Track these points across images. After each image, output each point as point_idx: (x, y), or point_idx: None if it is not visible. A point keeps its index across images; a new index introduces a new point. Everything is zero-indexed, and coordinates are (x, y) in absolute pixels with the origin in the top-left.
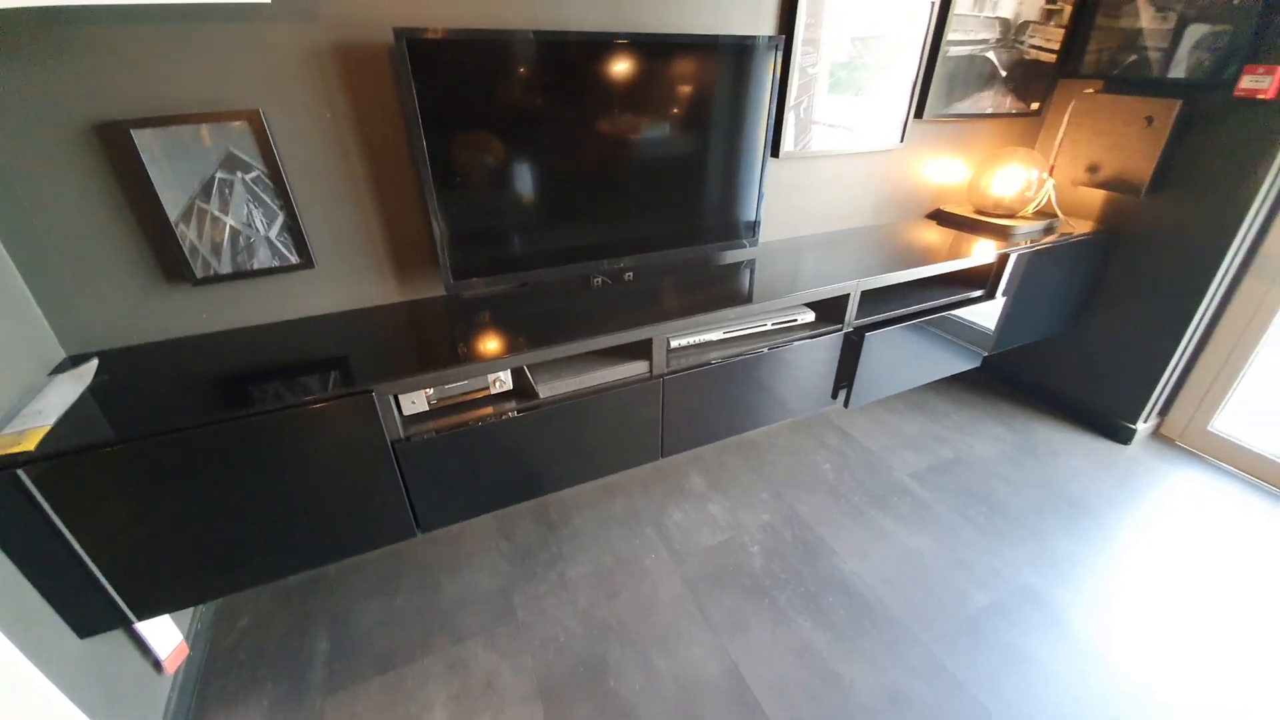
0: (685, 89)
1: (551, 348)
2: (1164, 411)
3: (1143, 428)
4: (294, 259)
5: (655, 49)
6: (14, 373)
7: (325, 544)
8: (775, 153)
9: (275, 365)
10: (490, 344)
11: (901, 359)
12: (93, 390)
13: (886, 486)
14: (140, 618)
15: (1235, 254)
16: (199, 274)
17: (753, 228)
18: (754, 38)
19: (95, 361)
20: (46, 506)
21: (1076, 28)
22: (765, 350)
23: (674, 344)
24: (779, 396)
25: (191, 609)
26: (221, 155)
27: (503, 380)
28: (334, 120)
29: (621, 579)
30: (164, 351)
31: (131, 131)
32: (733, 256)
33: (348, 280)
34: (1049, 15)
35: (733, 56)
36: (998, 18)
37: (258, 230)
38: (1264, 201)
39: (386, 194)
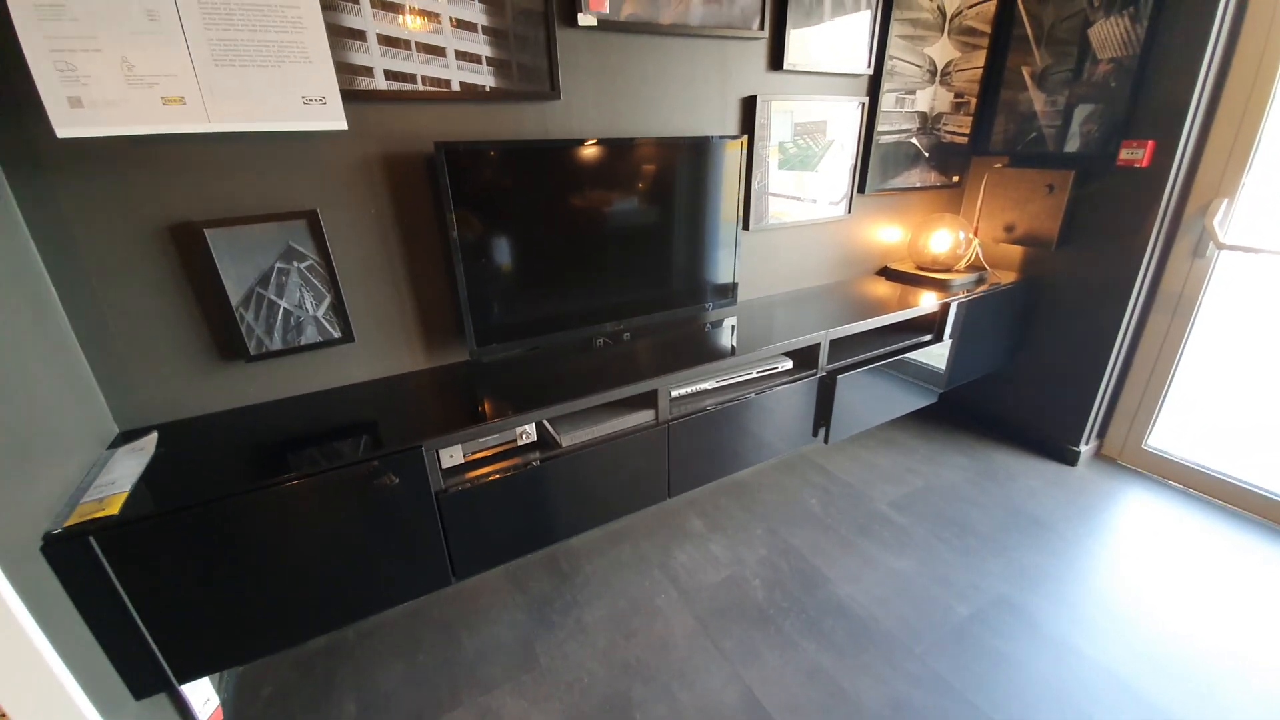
0: (671, 179)
1: (574, 401)
2: (1102, 434)
3: (1085, 449)
4: (337, 334)
5: (647, 148)
6: (80, 449)
7: (366, 596)
8: (746, 226)
9: (324, 429)
10: (515, 401)
11: (870, 398)
12: (156, 461)
13: (869, 516)
14: (182, 680)
15: (1138, 292)
16: (253, 351)
17: (732, 289)
18: (723, 137)
19: (154, 434)
20: (110, 571)
21: (981, 115)
22: (752, 395)
23: (674, 394)
24: (767, 436)
25: (217, 677)
26: (282, 249)
27: (528, 433)
28: (377, 215)
29: (636, 620)
30: (218, 423)
31: (205, 231)
32: (716, 315)
33: (382, 351)
34: (957, 107)
35: (709, 152)
36: (916, 111)
37: (307, 310)
38: (1153, 249)
39: (418, 275)
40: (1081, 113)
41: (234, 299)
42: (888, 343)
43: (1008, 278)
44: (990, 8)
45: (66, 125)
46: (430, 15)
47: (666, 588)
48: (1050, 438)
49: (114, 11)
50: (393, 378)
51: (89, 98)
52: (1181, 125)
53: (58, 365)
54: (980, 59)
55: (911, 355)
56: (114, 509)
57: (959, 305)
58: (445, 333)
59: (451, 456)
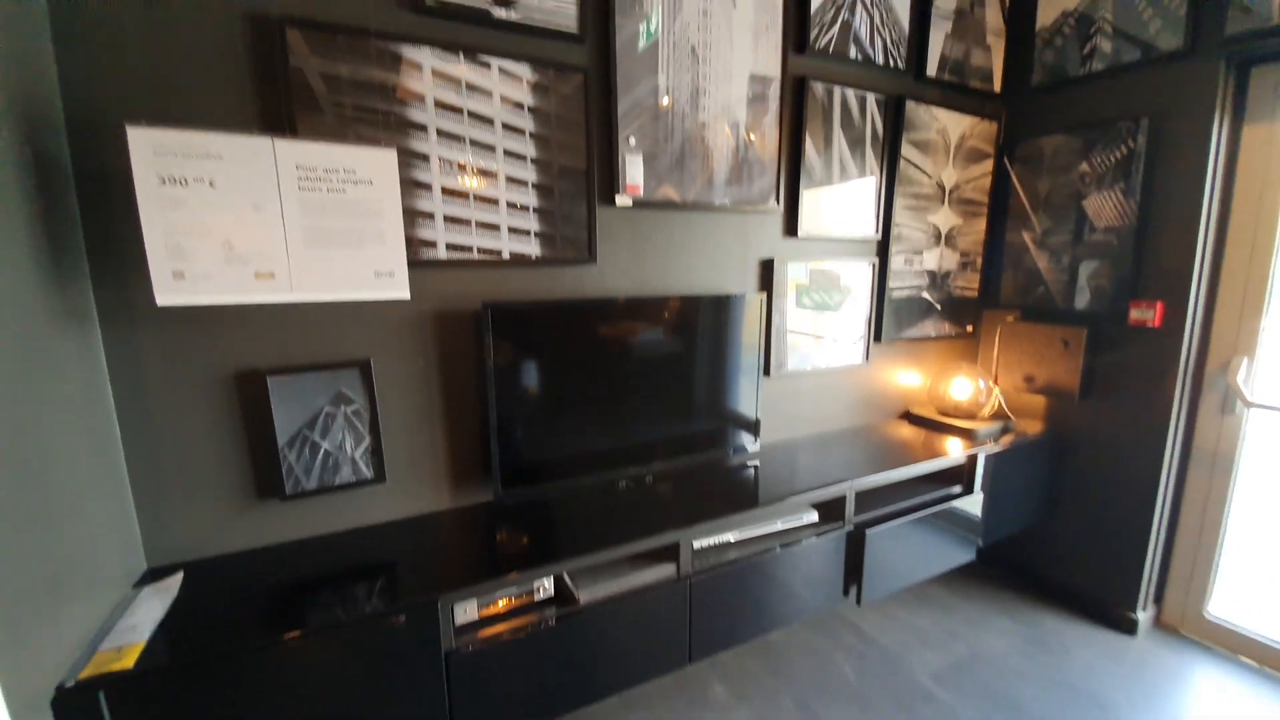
0: (696, 331)
1: (594, 554)
2: (1159, 599)
3: (1143, 616)
4: (370, 475)
5: (673, 305)
6: (110, 587)
7: None
8: (767, 372)
9: (345, 573)
10: (536, 551)
11: (903, 553)
12: (178, 604)
13: (909, 690)
14: None
15: (1172, 448)
16: (289, 491)
17: (754, 434)
18: (744, 295)
19: (180, 575)
20: None
21: (988, 273)
22: (778, 549)
23: (696, 545)
24: (795, 594)
25: None
26: (333, 393)
27: (545, 587)
28: (424, 365)
29: None
30: (242, 563)
31: (268, 378)
32: (739, 460)
33: (411, 491)
34: (964, 266)
35: (731, 308)
36: (925, 270)
37: (345, 451)
38: (1180, 405)
39: (453, 421)
40: (1087, 268)
41: (281, 440)
42: (916, 493)
43: (1034, 427)
44: (986, 182)
45: (167, 294)
46: (489, 200)
47: None
48: (1102, 601)
49: (227, 203)
50: (418, 518)
51: (190, 272)
52: (1188, 288)
53: (107, 498)
54: (981, 225)
55: (945, 508)
56: (129, 661)
57: (988, 456)
58: (473, 474)
59: (466, 611)
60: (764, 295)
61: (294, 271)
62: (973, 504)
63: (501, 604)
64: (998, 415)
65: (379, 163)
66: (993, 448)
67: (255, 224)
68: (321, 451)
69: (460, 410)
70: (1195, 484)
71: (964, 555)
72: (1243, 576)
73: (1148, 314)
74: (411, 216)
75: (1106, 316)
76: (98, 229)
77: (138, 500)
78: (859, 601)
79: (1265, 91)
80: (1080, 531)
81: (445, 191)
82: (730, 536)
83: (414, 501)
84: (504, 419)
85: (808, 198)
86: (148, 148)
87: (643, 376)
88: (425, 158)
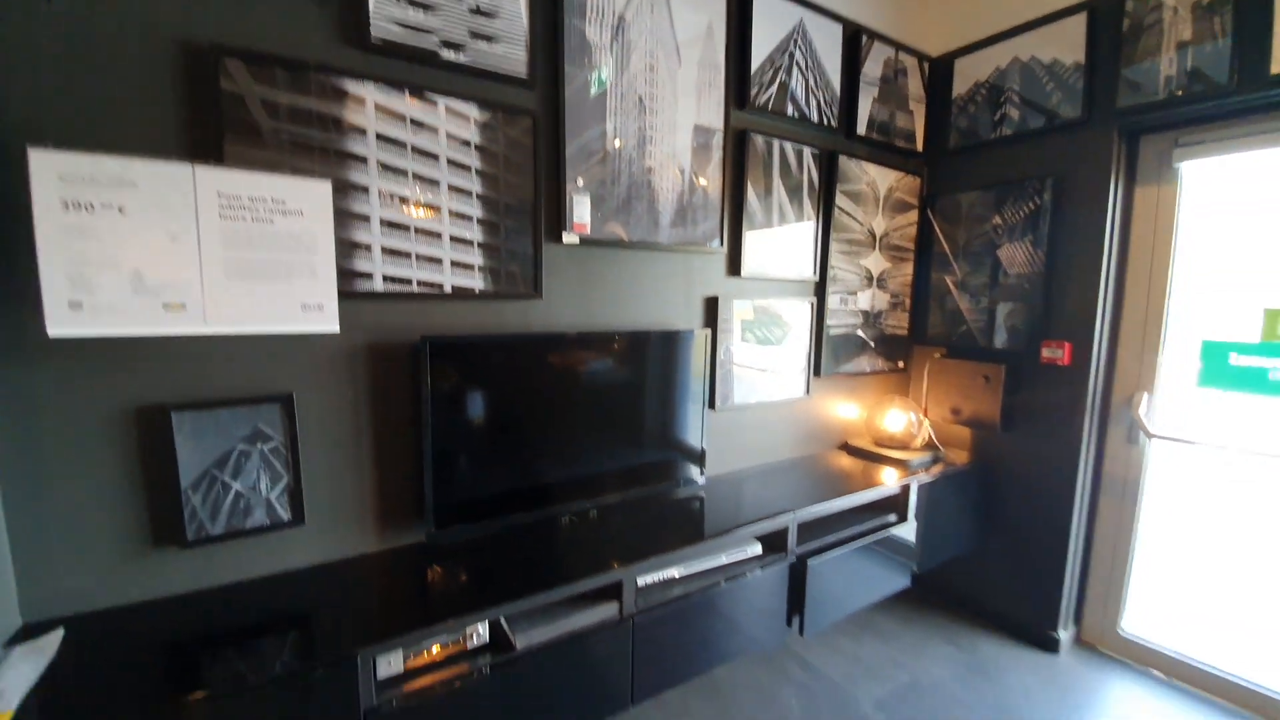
0: (642, 367)
1: (531, 598)
2: (1078, 618)
3: (1064, 635)
4: (286, 517)
5: (619, 340)
6: None
7: None
8: (712, 406)
9: (254, 626)
10: (469, 595)
11: (843, 582)
12: (56, 666)
13: None
14: None
15: (1084, 477)
16: (191, 537)
17: (699, 467)
18: (689, 330)
19: (60, 632)
20: None
21: (916, 313)
22: (722, 583)
23: (640, 582)
24: (739, 628)
25: None
26: (248, 430)
27: (479, 633)
28: (354, 400)
29: None
30: (132, 618)
31: (171, 413)
32: (684, 493)
33: (333, 533)
34: (894, 306)
35: (677, 343)
36: (859, 309)
37: (260, 493)
38: (1090, 438)
39: (384, 458)
40: (1004, 310)
41: (185, 481)
42: (855, 522)
43: (961, 457)
44: (912, 230)
45: (60, 325)
46: (432, 234)
47: None
48: (1029, 622)
49: (139, 231)
50: (341, 562)
51: (90, 303)
52: (1092, 330)
53: None
54: (909, 268)
55: (881, 536)
56: None
57: (920, 485)
58: (403, 514)
59: (390, 664)
60: (709, 331)
61: (209, 304)
62: (908, 531)
63: (431, 653)
64: (928, 446)
65: (311, 194)
66: (925, 477)
67: (170, 254)
68: (232, 493)
69: (391, 447)
70: (1106, 509)
71: (901, 582)
72: (1150, 595)
73: (1057, 353)
74: (348, 248)
75: (1022, 354)
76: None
77: (13, 546)
78: (802, 632)
79: (1151, 158)
80: (1006, 556)
81: (385, 224)
82: (675, 572)
83: (337, 544)
84: (439, 454)
85: (750, 239)
86: (51, 172)
87: (587, 411)
88: (365, 189)
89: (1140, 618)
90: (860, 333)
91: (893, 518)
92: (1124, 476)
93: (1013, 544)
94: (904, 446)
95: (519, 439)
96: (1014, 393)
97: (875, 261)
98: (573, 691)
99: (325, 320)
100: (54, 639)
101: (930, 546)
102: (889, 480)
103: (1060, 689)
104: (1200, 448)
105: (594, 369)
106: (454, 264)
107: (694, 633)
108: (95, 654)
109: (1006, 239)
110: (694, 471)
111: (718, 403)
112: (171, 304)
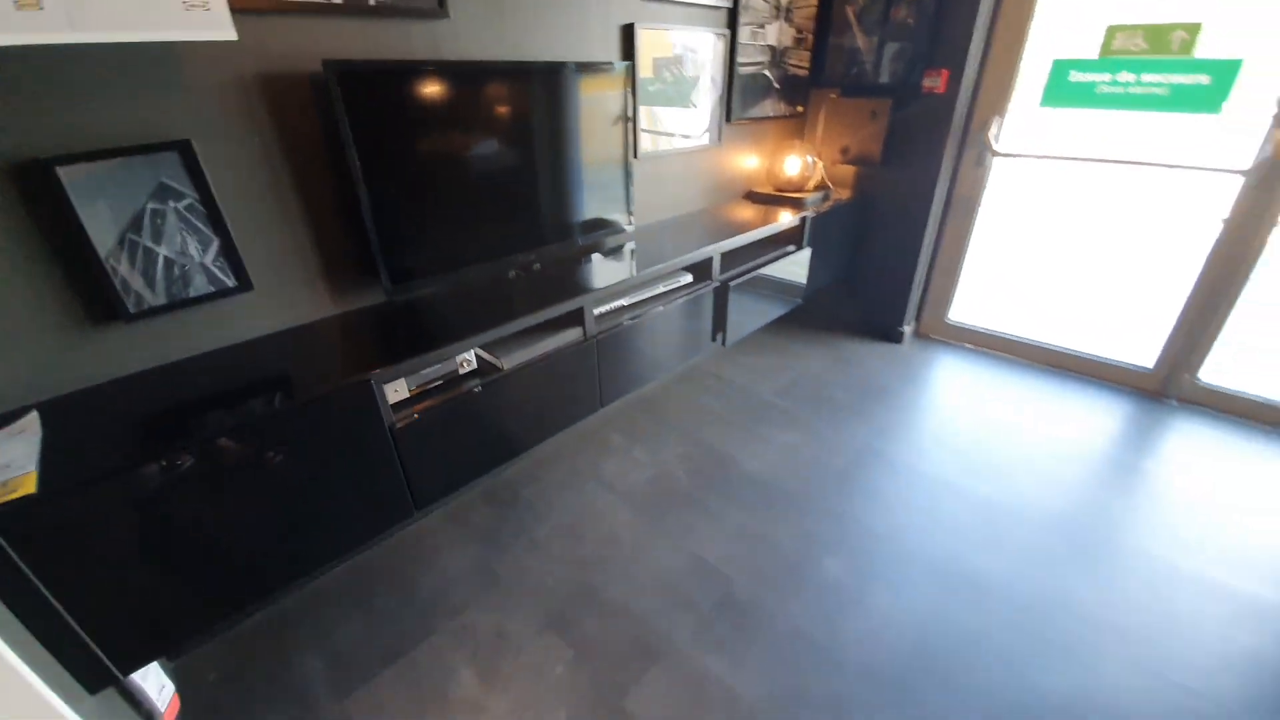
0: (567, 103)
1: (508, 325)
2: (919, 317)
3: (908, 330)
4: (231, 283)
5: (543, 73)
6: None
7: (325, 543)
8: (635, 154)
9: (244, 387)
10: (448, 332)
11: (754, 303)
12: (51, 440)
13: (760, 406)
14: (126, 671)
15: (939, 200)
16: (132, 309)
17: (628, 216)
18: (611, 62)
19: (35, 414)
20: (19, 561)
21: (818, 51)
22: (661, 308)
23: (596, 312)
24: (676, 343)
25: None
26: (153, 186)
27: (469, 361)
28: (263, 145)
29: (583, 525)
30: (109, 394)
31: (57, 169)
32: (616, 241)
33: (287, 299)
34: (798, 42)
35: (601, 76)
36: (767, 45)
37: (193, 258)
38: (956, 159)
39: (318, 213)
40: (891, 49)
41: (102, 249)
42: (762, 254)
43: (845, 195)
44: None
45: None
46: None
47: (604, 494)
48: (883, 325)
49: None
50: (306, 326)
51: None
52: (965, 56)
53: None
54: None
55: (781, 268)
56: (29, 488)
57: (813, 220)
58: (355, 274)
59: (396, 391)
60: (629, 65)
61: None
62: (802, 262)
63: (432, 382)
64: (821, 186)
65: None
66: (815, 212)
67: None
68: (161, 259)
69: (323, 201)
70: (951, 226)
71: (795, 302)
72: (972, 290)
73: (936, 80)
74: None
75: (906, 87)
76: None
77: None
78: (724, 343)
79: None
80: (873, 277)
81: None
82: (624, 301)
83: (294, 310)
84: (377, 207)
85: None
86: None
87: (516, 155)
88: None
89: (963, 308)
90: (767, 72)
91: (791, 247)
92: (970, 196)
93: (878, 266)
94: (800, 189)
95: (451, 186)
96: (895, 126)
97: None
98: (554, 399)
99: (214, 23)
100: (31, 421)
101: (817, 272)
102: (787, 219)
103: (901, 365)
104: (1031, 160)
105: (519, 106)
106: None
107: (643, 348)
108: (86, 428)
109: None
110: (624, 219)
111: (639, 149)
112: (24, 1)
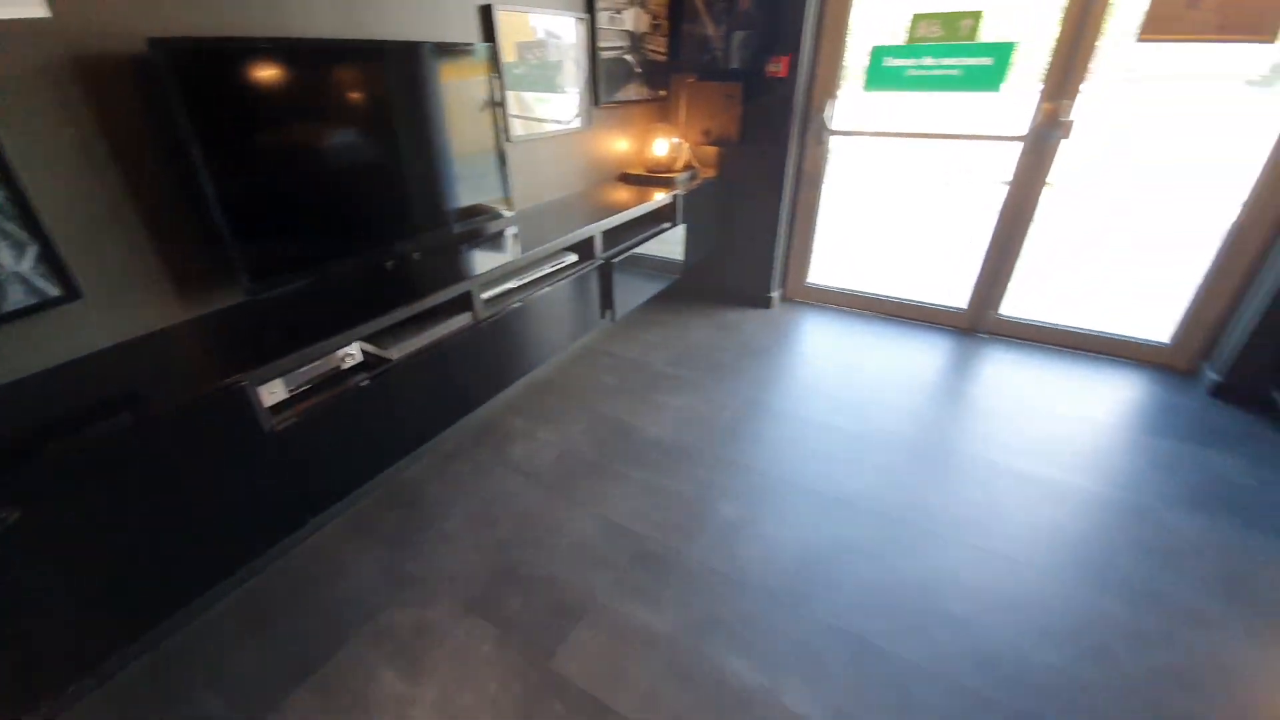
0: (431, 84)
1: (391, 314)
2: (783, 283)
3: (775, 295)
4: (55, 292)
5: (400, 53)
6: None
7: (208, 566)
8: (509, 138)
9: (97, 403)
10: (323, 327)
11: (638, 279)
12: None
13: (653, 376)
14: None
15: (790, 175)
16: None
17: (506, 200)
18: (471, 44)
19: None
20: None
21: (673, 36)
22: (550, 289)
23: (484, 296)
24: (568, 322)
25: None
26: None
27: (353, 355)
28: (82, 137)
29: (495, 510)
30: None
31: None
32: (496, 226)
33: (125, 306)
34: (654, 28)
35: (464, 58)
36: (626, 30)
37: (3, 267)
38: (801, 138)
39: (156, 209)
40: (738, 37)
41: None
42: (640, 233)
43: (712, 173)
44: None
45: None
46: None
47: (513, 477)
48: (754, 292)
49: None
50: (154, 334)
51: None
52: (801, 43)
53: None
54: None
55: (659, 245)
56: None
57: (684, 198)
58: (209, 274)
59: (273, 393)
60: (491, 45)
61: None
62: (678, 237)
63: (311, 379)
64: (688, 166)
65: None
66: (685, 190)
67: None
68: None
69: (159, 197)
70: (803, 197)
71: (675, 276)
72: (826, 254)
73: (778, 66)
74: None
75: (753, 73)
76: None
77: None
78: (613, 319)
79: None
80: (743, 250)
81: None
82: (512, 284)
83: (136, 318)
84: (227, 201)
85: None
86: None
87: (380, 138)
88: None
89: (819, 272)
90: (628, 57)
91: (667, 225)
92: (815, 171)
93: (745, 238)
94: (669, 169)
95: (312, 174)
96: (748, 108)
97: None
98: (448, 388)
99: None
100: None
101: (693, 247)
102: (660, 198)
103: (773, 326)
104: (864, 138)
105: (377, 88)
106: None
107: (536, 329)
108: None
109: None
110: (503, 204)
111: (511, 133)
112: None
